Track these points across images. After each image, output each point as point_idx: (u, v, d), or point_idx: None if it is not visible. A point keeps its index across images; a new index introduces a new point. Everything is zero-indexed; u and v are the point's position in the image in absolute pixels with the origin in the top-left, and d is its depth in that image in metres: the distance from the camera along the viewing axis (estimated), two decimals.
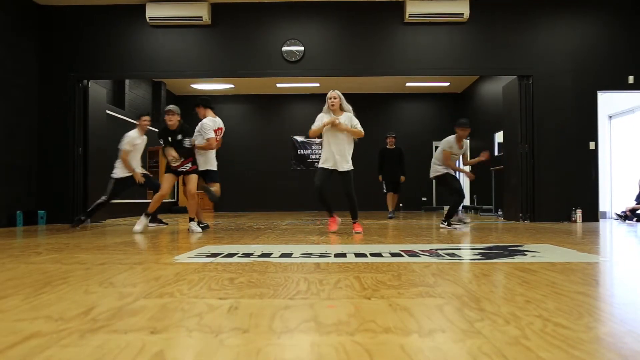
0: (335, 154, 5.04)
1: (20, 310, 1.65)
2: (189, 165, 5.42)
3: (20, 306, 1.71)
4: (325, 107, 5.16)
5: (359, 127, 5.08)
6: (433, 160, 6.01)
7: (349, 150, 5.10)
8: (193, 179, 5.43)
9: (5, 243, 4.21)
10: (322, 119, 5.10)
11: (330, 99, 5.08)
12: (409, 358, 1.14)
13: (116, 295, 1.89)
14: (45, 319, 1.51)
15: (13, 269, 2.61)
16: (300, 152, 13.26)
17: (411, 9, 7.34)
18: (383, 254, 3.18)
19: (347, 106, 5.16)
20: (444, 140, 5.92)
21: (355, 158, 5.21)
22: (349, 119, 5.07)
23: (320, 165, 5.17)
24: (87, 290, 2.00)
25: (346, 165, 5.07)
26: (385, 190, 8.62)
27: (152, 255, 3.22)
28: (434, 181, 6.34)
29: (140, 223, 5.35)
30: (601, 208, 7.88)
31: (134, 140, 6.18)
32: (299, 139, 13.23)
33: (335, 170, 5.08)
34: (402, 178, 8.54)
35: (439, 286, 2.06)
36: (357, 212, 5.28)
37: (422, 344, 1.26)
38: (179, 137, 5.32)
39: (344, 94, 5.19)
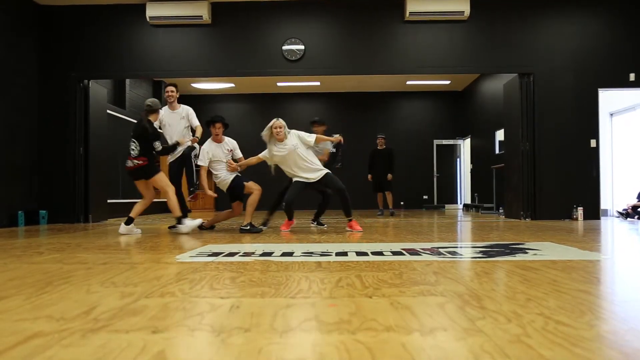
0: (300, 172, 5.06)
1: (22, 310, 1.65)
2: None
3: (22, 306, 1.71)
4: (266, 133, 5.10)
5: (309, 139, 5.03)
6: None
7: (312, 162, 5.06)
8: None
9: (7, 243, 4.22)
10: (270, 150, 5.11)
11: (275, 128, 5.02)
12: (411, 356, 1.14)
13: (118, 294, 1.89)
14: (47, 319, 1.51)
15: (15, 269, 2.62)
16: None
17: (412, 7, 7.32)
18: (384, 253, 3.18)
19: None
20: None
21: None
22: (297, 137, 5.05)
23: (295, 178, 5.13)
24: (89, 290, 2.00)
25: (317, 173, 5.05)
26: (372, 189, 9.07)
27: (154, 255, 3.22)
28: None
29: (188, 226, 5.09)
30: (602, 206, 7.86)
31: None
32: None
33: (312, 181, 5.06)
34: (389, 176, 8.77)
35: (441, 284, 2.06)
36: (351, 209, 5.20)
37: (424, 342, 1.26)
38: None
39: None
